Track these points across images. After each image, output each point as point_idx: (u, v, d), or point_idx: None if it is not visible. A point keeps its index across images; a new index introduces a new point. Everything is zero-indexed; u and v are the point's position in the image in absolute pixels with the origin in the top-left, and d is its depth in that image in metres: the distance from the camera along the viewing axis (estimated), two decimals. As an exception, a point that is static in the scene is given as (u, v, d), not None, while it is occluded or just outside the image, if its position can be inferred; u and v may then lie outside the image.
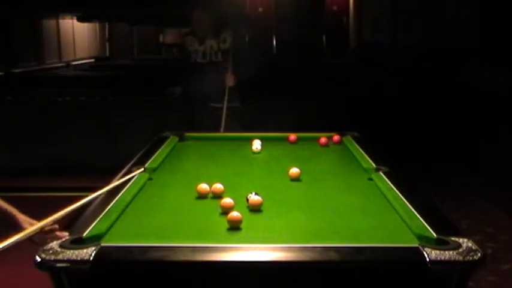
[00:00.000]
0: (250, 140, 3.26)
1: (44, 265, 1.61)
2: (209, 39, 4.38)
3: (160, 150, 3.04)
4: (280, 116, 5.74)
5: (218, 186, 2.27)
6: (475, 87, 9.25)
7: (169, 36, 16.87)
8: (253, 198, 2.11)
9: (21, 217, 1.79)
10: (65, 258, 1.60)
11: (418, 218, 1.92)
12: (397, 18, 15.06)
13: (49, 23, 10.94)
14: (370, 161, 2.77)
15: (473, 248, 1.65)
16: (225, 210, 2.02)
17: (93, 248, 1.63)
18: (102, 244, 1.69)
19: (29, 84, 7.91)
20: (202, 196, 2.26)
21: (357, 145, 3.17)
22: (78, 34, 12.45)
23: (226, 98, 4.31)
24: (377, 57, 16.25)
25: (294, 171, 2.57)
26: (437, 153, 6.62)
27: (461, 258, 1.61)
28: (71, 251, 1.62)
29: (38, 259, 1.61)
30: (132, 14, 11.43)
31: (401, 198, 2.14)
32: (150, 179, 2.53)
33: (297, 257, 1.65)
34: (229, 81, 4.35)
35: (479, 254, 1.63)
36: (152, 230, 1.92)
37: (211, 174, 2.60)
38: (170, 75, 4.86)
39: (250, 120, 4.72)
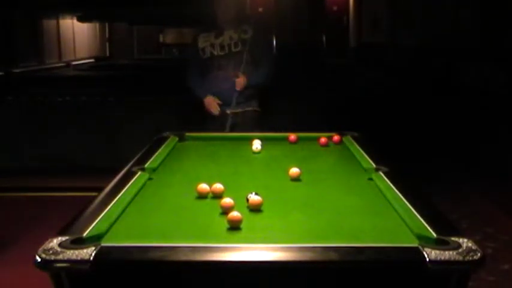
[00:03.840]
0: (250, 140, 3.26)
1: (44, 265, 1.61)
2: (228, 30, 4.14)
3: (160, 150, 3.04)
4: (280, 116, 5.74)
5: (218, 186, 2.27)
6: (475, 87, 9.26)
7: (169, 36, 16.87)
8: (253, 198, 2.11)
9: None
10: (65, 258, 1.60)
11: (418, 218, 1.92)
12: (397, 18, 15.07)
13: (49, 23, 10.93)
14: (370, 161, 2.77)
15: (473, 248, 1.65)
16: (225, 210, 2.02)
17: (93, 248, 1.63)
18: (102, 244, 1.69)
19: (29, 84, 7.90)
20: (202, 196, 2.26)
21: (357, 145, 3.17)
22: (78, 34, 12.44)
23: (234, 102, 4.11)
24: (377, 57, 16.26)
25: (294, 171, 2.57)
26: (437, 153, 6.62)
27: (461, 258, 1.61)
28: (71, 251, 1.62)
29: (38, 259, 1.60)
30: (132, 14, 11.42)
31: (401, 198, 2.14)
32: (150, 179, 2.53)
33: (297, 257, 1.65)
34: (239, 83, 4.08)
35: (479, 254, 1.63)
36: (152, 230, 1.92)
37: (211, 174, 2.60)
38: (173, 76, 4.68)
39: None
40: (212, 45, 4.18)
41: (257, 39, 4.15)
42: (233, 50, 4.14)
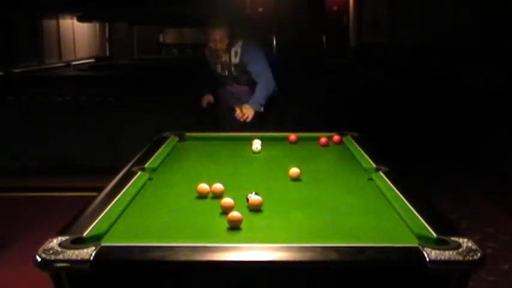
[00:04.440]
0: (250, 140, 3.26)
1: (44, 265, 1.61)
2: (224, 54, 4.07)
3: (160, 150, 3.04)
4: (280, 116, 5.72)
5: (218, 186, 2.27)
6: (475, 87, 9.25)
7: (169, 36, 16.88)
8: (253, 198, 2.11)
9: None
10: (65, 258, 1.60)
11: (418, 218, 1.93)
12: (397, 18, 15.07)
13: (49, 23, 10.93)
14: (370, 161, 2.78)
15: (473, 248, 1.66)
16: (225, 210, 2.02)
17: (93, 248, 1.63)
18: (102, 244, 1.69)
19: (29, 84, 7.90)
20: (202, 196, 2.27)
21: (357, 145, 3.17)
22: (78, 34, 12.44)
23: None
24: (377, 57, 16.26)
25: (294, 171, 2.57)
26: (437, 153, 6.62)
27: (461, 258, 1.61)
28: (71, 251, 1.62)
29: (38, 259, 1.61)
30: (132, 14, 11.42)
31: (402, 198, 2.14)
32: (150, 179, 2.53)
33: (297, 257, 1.66)
34: (243, 112, 3.89)
35: (479, 254, 1.63)
36: (152, 230, 1.92)
37: (211, 174, 2.61)
38: (189, 77, 4.63)
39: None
40: (215, 63, 4.21)
41: (245, 59, 4.05)
42: (228, 74, 4.17)
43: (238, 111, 3.63)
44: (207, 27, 4.02)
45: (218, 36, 3.94)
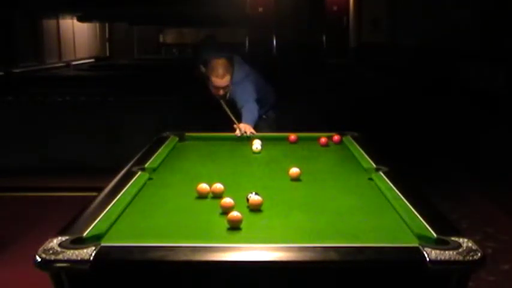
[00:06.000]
0: (250, 140, 3.26)
1: (44, 265, 1.61)
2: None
3: (160, 150, 3.04)
4: (281, 116, 5.73)
5: (218, 186, 2.27)
6: (475, 87, 9.25)
7: (169, 36, 16.88)
8: (253, 198, 2.11)
9: None
10: (65, 258, 1.60)
11: (418, 218, 1.93)
12: (397, 18, 15.07)
13: (49, 23, 10.93)
14: (370, 161, 2.78)
15: (473, 248, 1.66)
16: (225, 210, 2.02)
17: (93, 248, 1.63)
18: (102, 244, 1.69)
19: (29, 84, 7.90)
20: (202, 196, 2.27)
21: (357, 145, 3.17)
22: (78, 34, 12.43)
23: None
24: (377, 57, 16.26)
25: (294, 171, 2.57)
26: (437, 153, 6.62)
27: (461, 258, 1.61)
28: (71, 251, 1.62)
29: (38, 259, 1.61)
30: (132, 14, 11.42)
31: (402, 198, 2.14)
32: (150, 179, 2.53)
33: (297, 257, 1.66)
34: (243, 128, 3.66)
35: (479, 254, 1.63)
36: (152, 230, 1.92)
37: (211, 174, 2.61)
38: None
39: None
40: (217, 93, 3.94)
41: (232, 95, 3.88)
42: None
43: (237, 131, 3.58)
44: (210, 69, 3.76)
45: (223, 84, 3.78)
